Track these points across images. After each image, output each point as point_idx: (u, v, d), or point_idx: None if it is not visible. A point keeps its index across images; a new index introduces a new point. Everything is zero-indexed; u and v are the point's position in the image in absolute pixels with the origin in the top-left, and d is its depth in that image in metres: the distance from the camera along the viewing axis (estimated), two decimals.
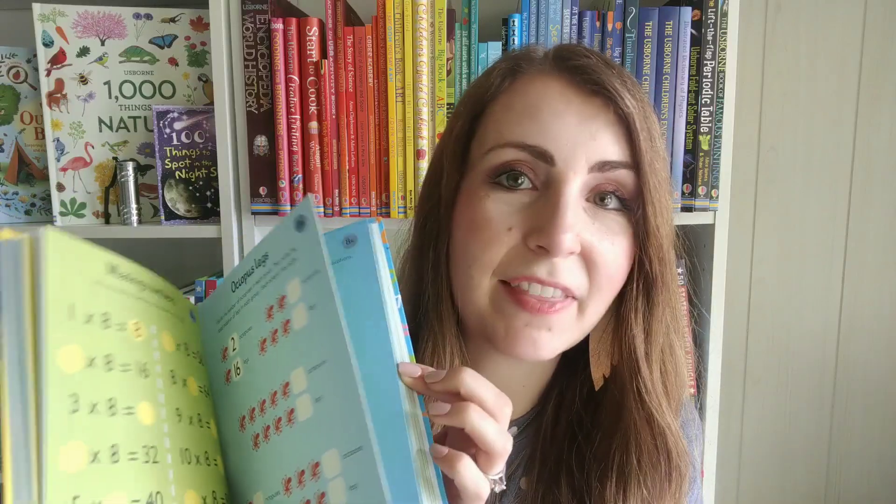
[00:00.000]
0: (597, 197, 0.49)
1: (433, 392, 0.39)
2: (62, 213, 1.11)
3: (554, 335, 0.49)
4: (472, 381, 0.39)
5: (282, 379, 0.38)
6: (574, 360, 0.58)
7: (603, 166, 0.48)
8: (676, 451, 0.53)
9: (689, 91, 1.00)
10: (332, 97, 1.01)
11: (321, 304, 0.37)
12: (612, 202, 0.49)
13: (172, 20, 1.10)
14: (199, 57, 1.11)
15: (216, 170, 1.07)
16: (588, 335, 0.54)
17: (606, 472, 0.53)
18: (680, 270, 1.03)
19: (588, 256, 0.48)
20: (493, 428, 0.38)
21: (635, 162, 0.49)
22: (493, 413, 0.39)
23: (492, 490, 0.41)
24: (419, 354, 0.54)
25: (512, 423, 0.58)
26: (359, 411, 0.34)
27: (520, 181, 0.49)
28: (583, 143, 0.48)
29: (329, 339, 0.36)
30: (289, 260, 0.39)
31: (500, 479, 0.43)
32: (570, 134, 0.48)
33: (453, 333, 0.54)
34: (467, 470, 0.38)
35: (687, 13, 0.98)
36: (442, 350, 0.53)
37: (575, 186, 0.47)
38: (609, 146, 0.48)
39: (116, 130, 1.11)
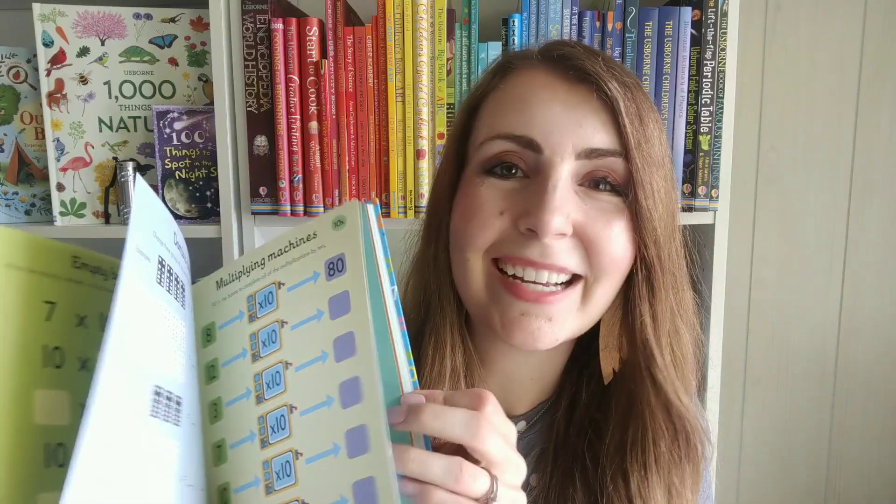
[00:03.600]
0: (590, 182, 0.50)
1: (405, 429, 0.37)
2: (62, 213, 1.11)
3: (554, 325, 0.50)
4: (431, 420, 0.36)
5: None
6: (582, 352, 0.58)
7: (591, 154, 0.49)
8: (695, 433, 0.53)
9: (689, 91, 1.00)
10: (332, 97, 1.01)
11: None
12: (605, 186, 0.50)
13: (172, 20, 1.10)
14: (199, 57, 1.11)
15: (216, 170, 1.07)
16: (597, 327, 0.54)
17: (626, 464, 0.53)
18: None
19: (583, 237, 0.49)
20: (459, 419, 0.37)
21: (623, 147, 0.49)
22: (461, 441, 0.37)
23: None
24: (423, 348, 0.55)
25: (521, 418, 0.58)
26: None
27: (513, 171, 0.51)
28: (569, 130, 0.49)
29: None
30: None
31: (488, 497, 0.39)
32: (555, 122, 0.49)
33: (455, 326, 0.55)
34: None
35: (687, 13, 0.98)
36: (443, 343, 0.54)
37: (563, 171, 0.49)
38: (596, 133, 0.49)
39: (116, 130, 1.11)
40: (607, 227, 0.49)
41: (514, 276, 0.50)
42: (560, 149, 0.49)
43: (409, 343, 0.39)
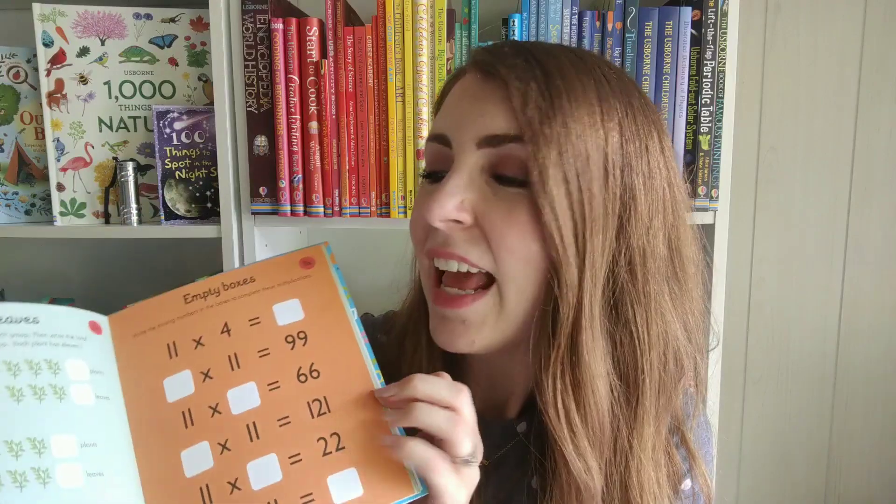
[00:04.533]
0: (497, 175, 0.50)
1: (394, 404, 0.44)
2: (62, 213, 1.11)
3: (469, 328, 0.50)
4: (422, 384, 0.44)
5: None
6: None
7: (490, 140, 0.49)
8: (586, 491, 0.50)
9: (689, 91, 1.00)
10: (332, 97, 1.01)
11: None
12: (507, 179, 0.49)
13: (172, 20, 1.10)
14: (199, 57, 1.11)
15: (216, 170, 1.07)
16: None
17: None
18: None
19: (483, 228, 0.49)
20: (441, 415, 0.43)
21: (523, 133, 0.47)
22: (447, 404, 0.44)
23: (480, 470, 0.46)
24: (406, 352, 0.59)
25: (521, 419, 0.58)
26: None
27: (440, 176, 0.52)
28: (471, 121, 0.50)
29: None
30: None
31: (468, 459, 0.44)
32: (461, 116, 0.51)
33: (428, 331, 0.56)
34: (413, 449, 0.42)
35: (687, 13, 0.98)
36: (421, 346, 0.57)
37: (463, 161, 0.49)
38: (493, 121, 0.49)
39: (116, 130, 1.11)
40: (507, 217, 0.48)
41: (440, 272, 0.52)
42: (462, 140, 0.50)
43: (373, 353, 0.47)
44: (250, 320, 0.46)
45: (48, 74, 1.07)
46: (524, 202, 0.48)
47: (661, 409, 0.53)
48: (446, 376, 0.46)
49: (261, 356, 0.45)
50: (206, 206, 1.11)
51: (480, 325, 0.50)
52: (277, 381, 0.44)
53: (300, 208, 1.04)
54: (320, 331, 0.46)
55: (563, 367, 0.49)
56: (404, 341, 0.60)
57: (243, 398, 0.43)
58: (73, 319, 0.43)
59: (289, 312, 0.47)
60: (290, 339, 0.46)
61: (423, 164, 1.00)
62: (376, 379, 0.46)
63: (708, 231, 1.05)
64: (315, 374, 0.44)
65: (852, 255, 1.33)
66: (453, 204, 0.48)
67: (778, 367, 1.37)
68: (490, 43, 0.59)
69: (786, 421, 1.38)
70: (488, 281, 0.50)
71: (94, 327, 0.44)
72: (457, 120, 0.51)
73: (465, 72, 0.55)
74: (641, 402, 0.51)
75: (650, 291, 0.50)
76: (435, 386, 0.44)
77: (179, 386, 0.43)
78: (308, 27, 0.99)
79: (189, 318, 0.46)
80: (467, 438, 0.44)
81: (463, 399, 0.44)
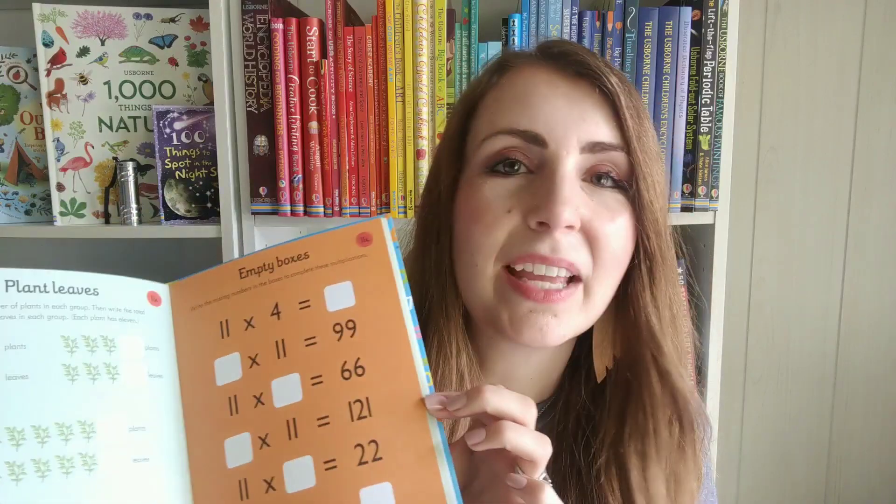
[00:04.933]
0: (593, 177, 0.51)
1: (459, 416, 0.40)
2: (62, 213, 1.11)
3: (560, 321, 0.50)
4: (495, 397, 0.40)
5: None
6: (577, 350, 0.59)
7: (594, 147, 0.49)
8: (696, 413, 0.54)
9: (689, 91, 1.00)
10: (332, 97, 1.01)
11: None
12: (608, 181, 0.51)
13: (172, 20, 1.10)
14: (199, 57, 1.11)
15: (216, 170, 1.07)
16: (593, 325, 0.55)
17: (623, 459, 0.53)
18: (680, 270, 1.03)
19: (589, 233, 0.49)
20: (530, 437, 0.40)
21: (625, 141, 0.50)
22: (523, 422, 0.40)
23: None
24: (426, 351, 0.55)
25: None
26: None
27: (516, 167, 0.51)
28: (573, 123, 0.49)
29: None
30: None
31: (545, 477, 0.43)
32: (559, 116, 0.49)
33: (459, 328, 0.55)
34: (515, 435, 0.39)
35: (687, 13, 0.98)
36: (448, 346, 0.54)
37: (569, 164, 0.49)
38: (599, 127, 0.50)
39: (116, 130, 1.11)
40: (612, 222, 0.50)
41: (522, 271, 0.50)
42: (565, 142, 0.49)
43: (424, 350, 0.41)
44: (300, 303, 0.42)
45: (48, 74, 1.07)
46: (621, 206, 0.50)
47: None
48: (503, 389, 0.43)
49: (307, 345, 0.41)
50: (206, 206, 1.11)
51: (569, 319, 0.50)
52: (321, 376, 0.40)
53: (300, 208, 1.04)
54: (370, 321, 0.42)
55: (670, 328, 0.55)
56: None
57: (287, 391, 0.40)
58: (133, 291, 0.41)
59: (340, 297, 0.42)
60: (338, 328, 0.42)
61: (423, 164, 1.00)
62: (425, 383, 0.41)
63: (708, 231, 1.05)
64: (360, 371, 0.40)
65: (852, 255, 1.33)
66: (573, 210, 0.48)
67: (778, 367, 1.37)
68: (550, 38, 0.58)
69: (786, 421, 1.38)
70: (571, 276, 0.50)
71: (154, 298, 0.42)
72: (553, 120, 0.49)
73: (521, 63, 0.53)
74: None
75: (670, 274, 0.55)
76: (506, 400, 0.40)
77: (228, 369, 0.41)
78: (308, 27, 0.99)
79: (242, 294, 0.43)
80: (545, 462, 0.41)
81: (533, 414, 0.42)
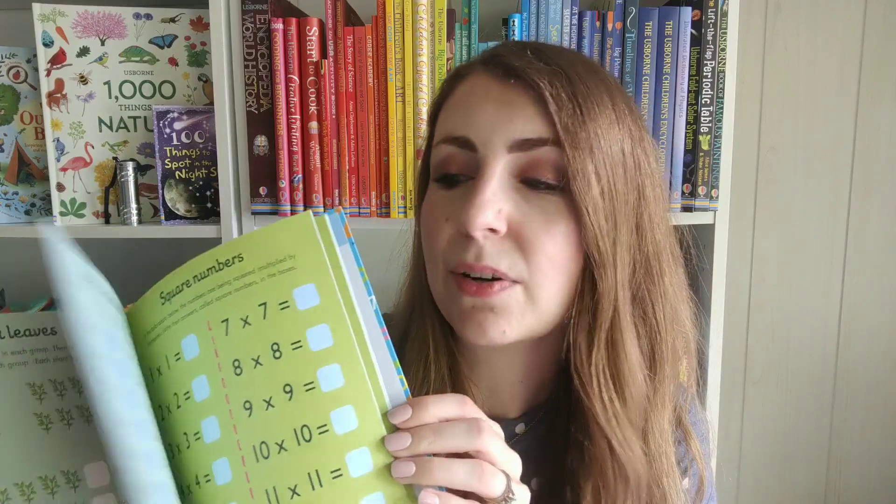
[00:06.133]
0: (528, 180, 0.49)
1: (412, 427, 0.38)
2: (62, 213, 1.11)
3: (499, 317, 0.49)
4: (436, 408, 0.38)
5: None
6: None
7: (522, 145, 0.48)
8: (637, 480, 0.51)
9: (689, 91, 1.00)
10: (332, 97, 1.01)
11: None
12: (541, 185, 0.49)
13: (172, 20, 1.10)
14: (199, 57, 1.11)
15: (216, 170, 1.07)
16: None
17: (581, 481, 0.52)
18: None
19: (518, 236, 0.48)
20: (462, 470, 0.37)
21: (556, 137, 0.48)
22: (467, 449, 0.38)
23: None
24: (407, 355, 0.56)
25: (518, 420, 0.58)
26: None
27: (457, 180, 0.51)
28: (500, 124, 0.49)
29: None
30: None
31: (506, 497, 0.40)
32: (487, 119, 0.49)
33: (439, 332, 0.55)
34: (444, 474, 0.37)
35: (687, 13, 0.98)
36: (428, 350, 0.55)
37: (495, 167, 0.49)
38: (526, 124, 0.48)
39: (116, 130, 1.11)
40: (545, 226, 0.48)
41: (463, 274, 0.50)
42: (491, 144, 0.49)
43: (394, 353, 0.38)
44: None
45: (48, 74, 1.07)
46: (560, 207, 0.48)
47: (674, 391, 0.56)
48: (457, 398, 0.40)
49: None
50: (206, 206, 1.11)
51: (509, 315, 0.49)
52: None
53: (300, 208, 1.04)
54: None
55: (605, 361, 0.51)
56: (404, 345, 0.58)
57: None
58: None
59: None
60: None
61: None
62: (398, 388, 0.38)
63: (708, 231, 1.05)
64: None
65: (852, 255, 1.33)
66: (493, 212, 0.47)
67: (778, 367, 1.37)
68: (493, 44, 0.58)
69: (786, 421, 1.38)
70: (514, 281, 0.49)
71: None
72: (482, 123, 0.49)
73: (471, 71, 0.54)
74: (660, 388, 0.53)
75: (665, 282, 0.53)
76: (450, 434, 0.38)
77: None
78: (308, 27, 0.99)
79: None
80: (494, 480, 0.38)
81: (485, 439, 0.38)
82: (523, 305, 0.49)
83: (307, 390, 0.36)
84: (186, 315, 0.38)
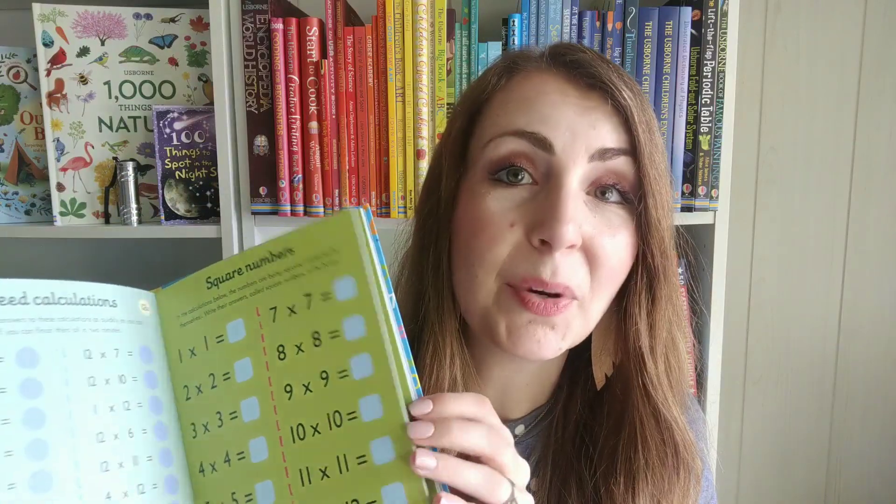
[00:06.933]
0: (597, 191, 0.49)
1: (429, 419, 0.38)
2: (62, 213, 1.11)
3: (557, 333, 0.49)
4: (455, 404, 0.38)
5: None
6: (578, 357, 0.58)
7: (603, 154, 0.48)
8: (684, 445, 0.52)
9: (689, 91, 1.00)
10: (332, 97, 1.01)
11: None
12: (612, 195, 0.49)
13: (172, 20, 1.10)
14: (199, 57, 1.11)
15: (216, 170, 1.07)
16: (591, 333, 0.54)
17: (613, 470, 0.52)
18: (680, 270, 1.03)
19: (589, 250, 0.48)
20: (474, 474, 0.37)
21: (634, 151, 0.49)
22: (482, 454, 0.38)
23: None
24: (420, 356, 0.54)
25: (519, 422, 0.58)
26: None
27: (520, 176, 0.49)
28: (582, 131, 0.48)
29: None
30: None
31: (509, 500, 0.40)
32: (568, 122, 0.48)
33: (454, 335, 0.53)
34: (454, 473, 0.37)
35: (687, 13, 0.98)
36: (442, 352, 0.53)
37: (575, 177, 0.47)
38: (608, 135, 0.48)
39: (116, 130, 1.11)
40: (612, 240, 0.48)
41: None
42: (573, 149, 0.47)
43: (409, 351, 0.39)
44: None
45: (48, 74, 1.07)
46: (623, 220, 0.49)
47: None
48: (476, 397, 0.40)
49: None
50: (206, 206, 1.11)
51: (566, 331, 0.49)
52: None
53: (300, 208, 1.04)
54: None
55: (665, 364, 0.53)
56: (413, 347, 0.56)
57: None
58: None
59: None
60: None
61: (423, 164, 1.00)
62: (412, 387, 0.39)
63: (708, 231, 1.05)
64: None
65: (852, 255, 1.33)
66: (575, 228, 0.46)
67: (778, 367, 1.37)
68: (563, 43, 0.55)
69: (786, 421, 1.38)
70: (574, 297, 0.49)
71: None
72: (562, 125, 0.48)
73: (529, 66, 0.52)
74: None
75: (673, 282, 0.54)
76: (474, 435, 0.38)
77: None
78: (308, 27, 1.00)
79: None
80: (501, 488, 0.38)
81: (502, 446, 0.39)
82: (578, 319, 0.49)
83: (341, 377, 0.38)
84: (235, 300, 0.41)
